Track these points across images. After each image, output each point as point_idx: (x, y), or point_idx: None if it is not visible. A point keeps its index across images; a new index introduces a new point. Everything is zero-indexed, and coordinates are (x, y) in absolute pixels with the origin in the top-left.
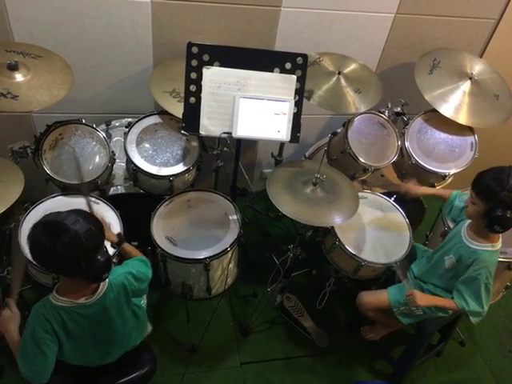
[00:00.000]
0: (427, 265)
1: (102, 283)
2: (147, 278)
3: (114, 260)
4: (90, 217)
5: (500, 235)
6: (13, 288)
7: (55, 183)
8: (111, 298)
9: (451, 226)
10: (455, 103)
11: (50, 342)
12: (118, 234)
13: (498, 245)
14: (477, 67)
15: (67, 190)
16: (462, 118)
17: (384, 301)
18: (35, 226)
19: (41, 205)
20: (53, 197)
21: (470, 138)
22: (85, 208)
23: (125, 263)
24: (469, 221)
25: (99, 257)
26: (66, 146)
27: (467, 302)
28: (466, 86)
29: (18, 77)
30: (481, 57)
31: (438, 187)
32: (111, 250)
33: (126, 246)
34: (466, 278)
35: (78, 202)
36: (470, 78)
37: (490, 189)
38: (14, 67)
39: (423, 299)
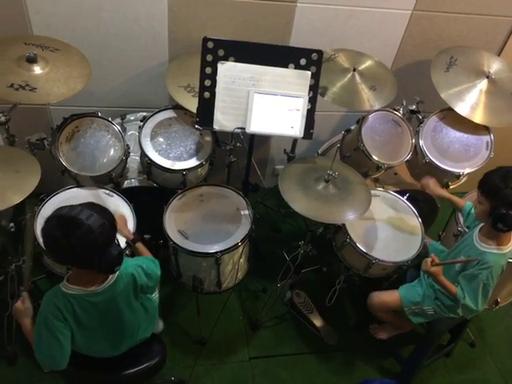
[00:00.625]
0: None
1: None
2: (156, 276)
3: (127, 252)
4: (103, 211)
5: (511, 238)
6: (25, 278)
7: (70, 175)
8: (121, 287)
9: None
10: (471, 102)
11: (62, 328)
12: (134, 233)
13: (507, 248)
14: (494, 66)
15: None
16: (478, 117)
17: (395, 301)
18: (49, 220)
19: (56, 196)
20: (68, 188)
21: (486, 138)
22: (99, 200)
23: (136, 257)
24: (481, 224)
25: (112, 250)
26: (81, 139)
27: (465, 295)
28: (483, 84)
29: (37, 69)
30: (499, 55)
31: (452, 186)
32: (123, 243)
33: (140, 245)
34: (467, 274)
35: (93, 194)
36: (487, 77)
37: (493, 187)
38: (32, 60)
39: (434, 268)
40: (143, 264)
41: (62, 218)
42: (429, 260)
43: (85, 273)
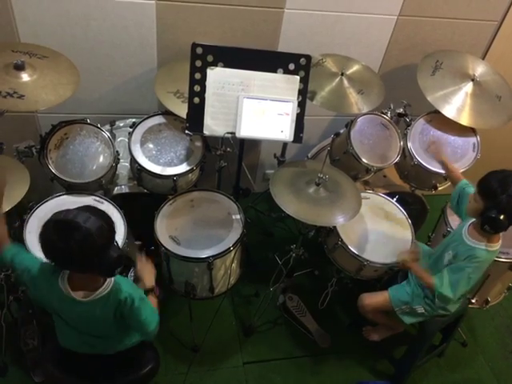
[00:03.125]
0: (429, 262)
1: (105, 283)
2: (146, 330)
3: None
4: (100, 213)
5: (500, 237)
6: None
7: (60, 182)
8: (102, 306)
9: (452, 220)
10: (457, 104)
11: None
12: (156, 287)
13: (496, 246)
14: (479, 69)
15: (72, 189)
16: (465, 119)
17: (385, 301)
18: (46, 225)
19: (46, 204)
20: (57, 196)
21: (472, 139)
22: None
23: (140, 290)
24: (471, 220)
25: (112, 252)
26: (70, 146)
27: (442, 284)
28: (469, 87)
29: (24, 77)
30: (483, 59)
31: (439, 188)
32: (120, 241)
33: (151, 298)
34: (454, 267)
35: (83, 201)
36: (473, 80)
37: (491, 189)
38: (20, 67)
39: (410, 261)
40: (137, 298)
41: (58, 222)
42: (403, 253)
43: (82, 276)
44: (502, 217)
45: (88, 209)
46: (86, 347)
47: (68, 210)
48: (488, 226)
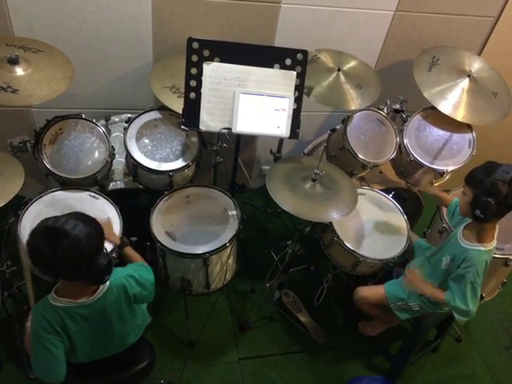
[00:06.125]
0: (428, 266)
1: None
2: (150, 284)
3: (114, 255)
4: (89, 220)
5: (494, 235)
6: (29, 294)
7: (55, 178)
8: (111, 300)
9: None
10: (453, 101)
11: (53, 340)
12: (121, 238)
13: (491, 246)
14: (475, 65)
15: (67, 184)
16: (461, 116)
17: (380, 295)
18: (34, 233)
19: (40, 199)
20: (52, 191)
21: (468, 136)
22: (85, 203)
23: (128, 266)
24: (466, 223)
25: (100, 260)
26: (65, 141)
27: (454, 297)
28: (465, 83)
29: (19, 71)
30: (479, 55)
31: (435, 184)
32: (110, 248)
33: (129, 249)
34: (455, 276)
35: (78, 197)
36: (469, 76)
37: (476, 177)
38: (14, 61)
39: (417, 280)
40: (135, 273)
41: (47, 229)
42: (409, 276)
43: (74, 284)
44: (489, 199)
45: (77, 215)
46: (94, 355)
47: (56, 217)
48: (478, 211)
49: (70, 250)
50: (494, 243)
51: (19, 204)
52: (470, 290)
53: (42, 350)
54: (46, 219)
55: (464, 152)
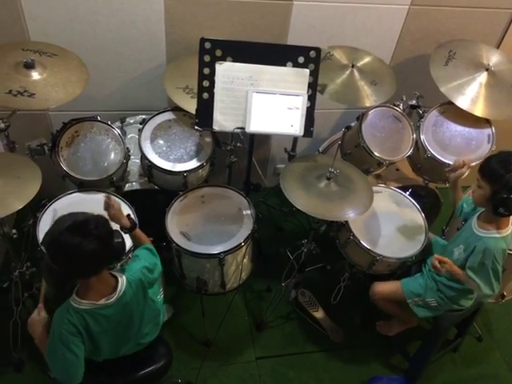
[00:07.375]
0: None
1: (120, 282)
2: (157, 267)
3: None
4: (84, 213)
5: (509, 222)
6: (42, 290)
7: (72, 180)
8: (131, 295)
9: None
10: (471, 95)
11: (78, 342)
12: (128, 215)
13: (506, 231)
14: (493, 58)
15: (83, 186)
16: (479, 110)
17: (397, 291)
18: (58, 238)
19: (58, 201)
20: (69, 193)
21: (487, 131)
22: (101, 204)
23: (136, 256)
24: (479, 212)
25: (116, 238)
26: (82, 143)
27: (479, 285)
28: (483, 77)
29: (35, 75)
30: (497, 48)
31: None
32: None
33: (137, 231)
34: (473, 265)
35: (95, 198)
36: (487, 70)
37: (495, 171)
38: (30, 65)
39: (448, 261)
40: (146, 262)
41: (71, 226)
42: (436, 262)
43: (93, 282)
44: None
45: (74, 213)
46: (107, 356)
47: (63, 216)
48: (502, 208)
49: (100, 231)
50: (510, 229)
51: (38, 206)
52: (493, 275)
53: (66, 352)
54: (56, 224)
55: (483, 147)
